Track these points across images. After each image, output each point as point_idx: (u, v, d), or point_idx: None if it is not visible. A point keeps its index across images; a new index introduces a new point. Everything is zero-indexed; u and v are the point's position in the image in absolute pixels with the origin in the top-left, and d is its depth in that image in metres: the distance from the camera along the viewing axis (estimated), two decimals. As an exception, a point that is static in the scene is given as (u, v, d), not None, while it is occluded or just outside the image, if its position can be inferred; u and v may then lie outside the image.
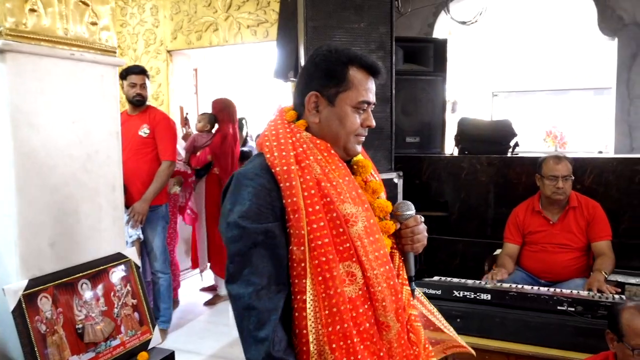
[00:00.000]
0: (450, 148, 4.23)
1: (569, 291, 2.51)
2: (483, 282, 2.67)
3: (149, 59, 5.31)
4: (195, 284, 4.96)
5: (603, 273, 2.70)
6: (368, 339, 1.20)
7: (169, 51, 5.37)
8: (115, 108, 2.26)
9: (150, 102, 5.33)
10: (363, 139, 1.34)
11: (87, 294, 2.09)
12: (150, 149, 3.59)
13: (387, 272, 1.25)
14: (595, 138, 6.84)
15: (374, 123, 1.33)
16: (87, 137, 2.12)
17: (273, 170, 1.21)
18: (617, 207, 3.22)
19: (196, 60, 5.79)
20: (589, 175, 3.36)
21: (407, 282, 1.37)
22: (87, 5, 2.11)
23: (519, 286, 2.60)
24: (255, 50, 5.43)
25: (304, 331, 1.16)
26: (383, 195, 1.41)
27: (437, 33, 5.17)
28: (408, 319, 1.34)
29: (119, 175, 2.27)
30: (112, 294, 2.19)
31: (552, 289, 2.54)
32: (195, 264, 4.81)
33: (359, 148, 1.35)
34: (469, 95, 7.14)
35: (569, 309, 2.36)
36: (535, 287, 2.60)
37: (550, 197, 2.92)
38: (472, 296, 2.55)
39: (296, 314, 1.18)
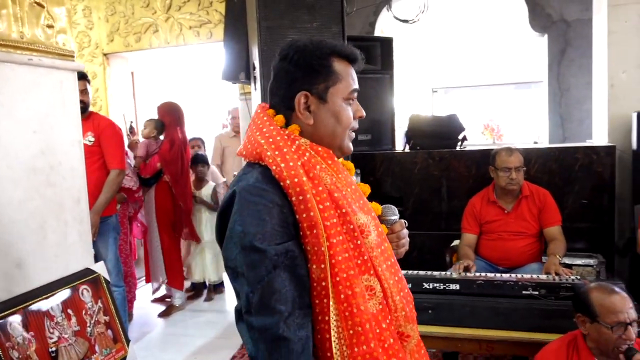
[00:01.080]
0: (400, 145, 4.35)
1: (529, 276, 2.64)
2: (454, 274, 2.74)
3: (84, 62, 5.05)
4: (145, 295, 4.78)
5: (557, 257, 2.86)
6: (394, 355, 1.14)
7: (105, 54, 5.13)
8: (77, 115, 2.14)
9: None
10: (353, 134, 1.28)
11: (59, 315, 1.96)
12: (96, 157, 3.41)
13: (399, 282, 1.22)
14: (529, 129, 7.26)
15: (364, 112, 1.28)
16: (49, 148, 1.99)
17: (282, 184, 1.12)
18: (561, 193, 3.42)
19: (134, 63, 5.57)
20: (534, 164, 3.56)
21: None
22: (42, 7, 1.97)
23: (485, 274, 2.70)
24: (198, 52, 5.29)
25: (328, 354, 1.10)
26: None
27: (378, 32, 5.28)
28: None
29: (84, 187, 2.15)
30: (83, 312, 2.07)
31: (514, 275, 2.66)
32: (148, 278, 4.64)
33: (351, 146, 1.28)
34: (409, 92, 7.34)
35: (534, 292, 2.49)
36: (498, 275, 2.72)
37: (505, 187, 3.06)
38: (442, 287, 2.63)
39: (318, 336, 1.11)
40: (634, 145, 3.30)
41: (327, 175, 1.17)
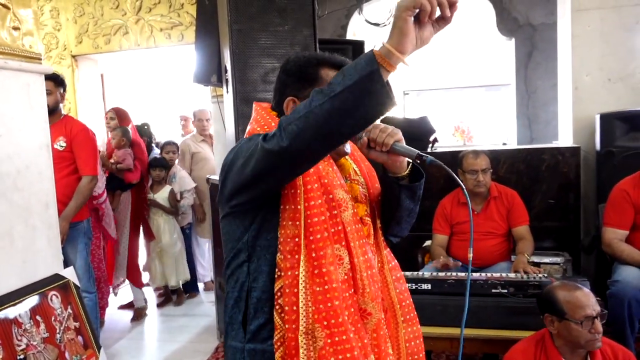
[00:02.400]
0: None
1: (499, 274, 2.70)
2: (426, 273, 2.78)
3: (52, 64, 4.94)
4: (111, 302, 4.69)
5: (525, 255, 2.93)
6: (354, 323, 1.19)
7: (74, 56, 5.04)
8: (44, 119, 2.11)
9: (56, 110, 5.00)
10: None
11: (27, 322, 1.93)
12: (67, 163, 3.33)
13: (367, 261, 1.27)
14: (498, 131, 7.39)
15: None
16: (16, 151, 1.95)
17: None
18: (529, 193, 3.50)
19: (104, 65, 5.49)
20: (503, 165, 3.63)
21: (390, 273, 1.39)
22: (8, 8, 1.94)
23: (456, 274, 2.75)
24: (169, 54, 5.24)
25: (294, 307, 1.15)
26: None
27: (350, 35, 5.32)
28: (394, 306, 1.37)
29: (52, 192, 2.11)
30: (53, 318, 2.04)
31: (484, 274, 2.72)
32: (110, 280, 4.57)
33: (348, 147, 1.32)
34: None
35: (502, 290, 2.54)
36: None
37: (473, 190, 3.12)
38: (414, 287, 2.66)
39: (286, 290, 1.16)
40: (598, 146, 3.40)
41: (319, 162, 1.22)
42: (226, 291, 1.31)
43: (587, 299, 1.94)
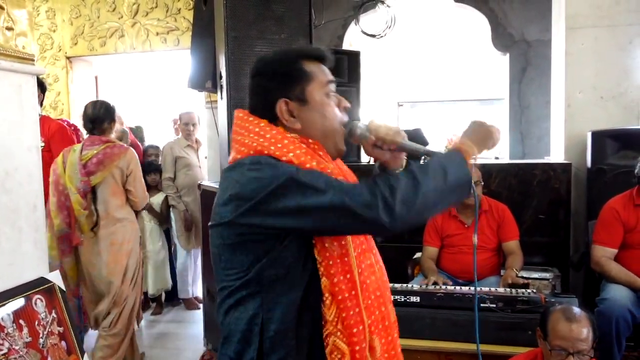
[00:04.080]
0: (366, 157, 4.36)
1: (488, 289, 2.70)
2: (415, 286, 2.77)
3: (46, 65, 4.93)
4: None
5: (515, 270, 2.94)
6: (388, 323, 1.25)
7: (68, 57, 5.02)
8: (35, 120, 2.09)
9: (49, 112, 4.98)
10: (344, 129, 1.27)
11: (10, 325, 1.90)
12: (44, 162, 3.32)
13: (373, 265, 1.25)
14: (491, 145, 7.41)
15: (347, 102, 1.29)
16: (5, 153, 1.93)
17: (285, 159, 1.13)
18: (520, 208, 3.51)
19: (98, 67, 5.47)
20: (494, 179, 3.64)
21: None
22: (2, 8, 1.93)
23: (445, 287, 2.75)
24: (165, 59, 5.24)
25: (361, 327, 1.14)
26: None
27: (346, 45, 5.34)
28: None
29: (40, 194, 2.09)
30: (36, 322, 2.01)
31: (473, 288, 2.71)
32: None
33: (343, 144, 1.28)
34: (376, 105, 7.43)
35: (491, 305, 2.54)
36: (458, 287, 2.76)
37: (463, 202, 3.12)
38: (403, 299, 2.65)
39: (350, 313, 1.13)
40: (589, 163, 3.42)
41: (325, 160, 1.20)
42: (225, 322, 1.20)
43: (572, 335, 1.89)
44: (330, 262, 1.13)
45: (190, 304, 4.65)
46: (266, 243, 1.12)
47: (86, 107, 3.16)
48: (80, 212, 2.95)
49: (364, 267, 1.18)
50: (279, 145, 1.15)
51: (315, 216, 1.08)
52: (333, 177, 1.12)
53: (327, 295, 1.13)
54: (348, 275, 1.14)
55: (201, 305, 4.35)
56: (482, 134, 1.30)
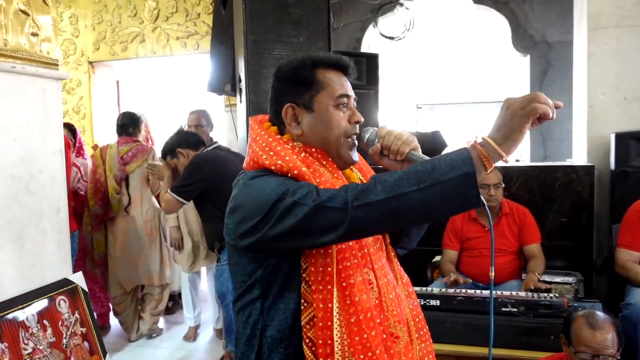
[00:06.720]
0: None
1: (509, 293, 2.66)
2: (434, 289, 2.75)
3: (69, 70, 5.02)
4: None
5: (536, 274, 2.90)
6: (387, 350, 1.14)
7: (90, 62, 5.11)
8: (59, 124, 2.13)
9: (71, 116, 5.07)
10: (355, 141, 1.25)
11: (34, 325, 1.93)
12: None
13: (390, 283, 1.22)
14: (511, 147, 7.34)
15: (361, 117, 1.25)
16: (29, 156, 1.97)
17: (287, 174, 1.13)
18: (541, 211, 3.47)
19: (120, 72, 5.55)
20: (515, 182, 3.60)
21: (404, 289, 1.32)
22: (27, 15, 1.97)
23: (465, 291, 2.72)
24: (185, 63, 5.29)
25: (329, 341, 1.09)
26: None
27: (364, 48, 5.33)
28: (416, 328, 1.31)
29: (64, 197, 2.13)
30: (60, 323, 2.04)
31: (494, 292, 2.68)
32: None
33: (355, 155, 1.26)
34: (394, 108, 7.41)
35: (512, 309, 2.51)
36: (478, 291, 2.74)
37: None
38: (422, 303, 2.63)
39: (319, 324, 1.10)
40: (612, 165, 3.36)
41: (327, 170, 1.19)
42: (236, 324, 1.26)
43: (597, 342, 1.86)
44: (312, 269, 1.12)
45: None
46: (266, 252, 1.16)
47: (118, 116, 4.01)
48: (114, 195, 3.71)
49: (355, 283, 1.12)
50: (272, 153, 1.17)
51: (299, 235, 1.08)
52: (314, 186, 1.10)
53: (302, 300, 1.13)
54: (329, 287, 1.11)
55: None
56: (510, 122, 1.05)
